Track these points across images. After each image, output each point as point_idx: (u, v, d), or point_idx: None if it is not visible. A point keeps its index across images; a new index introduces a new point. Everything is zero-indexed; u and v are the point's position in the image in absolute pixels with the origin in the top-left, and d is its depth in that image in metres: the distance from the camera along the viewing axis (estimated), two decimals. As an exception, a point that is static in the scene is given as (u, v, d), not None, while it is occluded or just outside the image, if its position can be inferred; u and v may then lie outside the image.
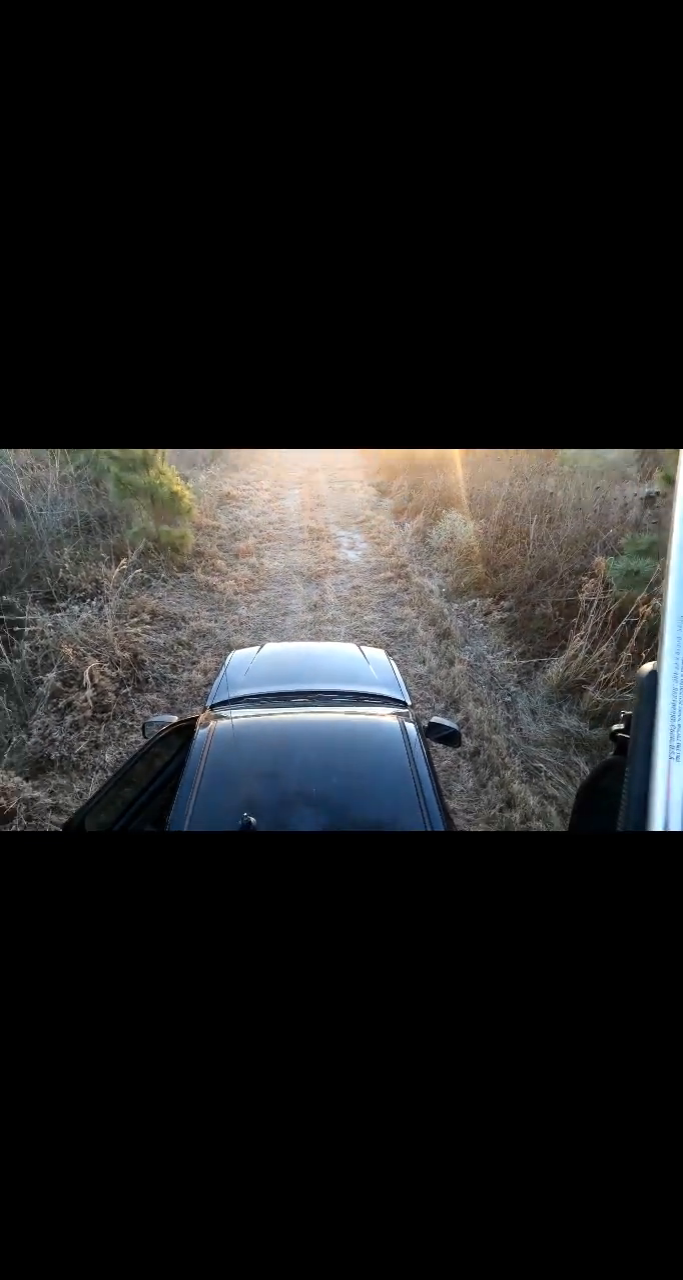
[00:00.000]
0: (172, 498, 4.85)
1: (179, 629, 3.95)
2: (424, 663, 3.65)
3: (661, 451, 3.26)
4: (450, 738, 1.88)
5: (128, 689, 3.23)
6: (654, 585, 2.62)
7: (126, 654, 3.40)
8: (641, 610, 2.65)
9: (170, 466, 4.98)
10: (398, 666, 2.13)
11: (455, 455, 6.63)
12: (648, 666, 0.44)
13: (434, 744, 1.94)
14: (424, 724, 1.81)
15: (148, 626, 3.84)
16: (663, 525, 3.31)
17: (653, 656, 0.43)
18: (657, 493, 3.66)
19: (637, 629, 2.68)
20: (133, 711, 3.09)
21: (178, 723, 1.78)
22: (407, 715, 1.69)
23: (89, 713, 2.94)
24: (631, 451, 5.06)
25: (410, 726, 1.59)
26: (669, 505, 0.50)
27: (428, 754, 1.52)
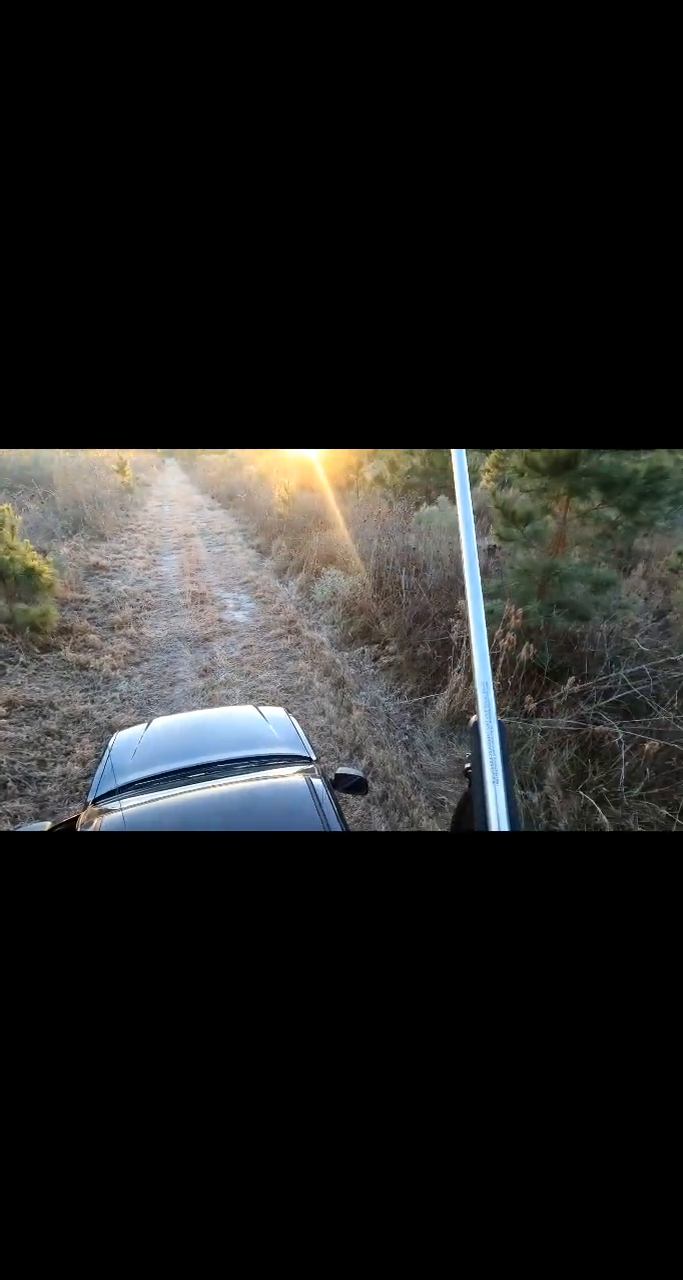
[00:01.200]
0: (27, 574, 4.36)
1: (46, 717, 3.46)
2: (324, 713, 3.69)
3: (492, 510, 3.91)
4: (358, 785, 1.91)
5: (-19, 800, 2.68)
6: (507, 622, 3.06)
7: (-23, 758, 2.85)
8: (500, 644, 3.06)
9: (23, 541, 4.52)
10: (299, 721, 2.13)
11: (331, 514, 7.13)
12: (474, 718, 0.57)
13: (343, 794, 1.95)
14: (331, 776, 1.82)
15: (3, 720, 3.30)
16: (503, 571, 3.93)
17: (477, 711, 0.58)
18: (494, 545, 4.34)
19: (501, 659, 3.08)
20: (-11, 827, 2.56)
21: (52, 828, 1.53)
22: (313, 770, 1.68)
23: None
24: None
25: (318, 782, 1.58)
26: (462, 581, 0.64)
27: (338, 807, 1.52)
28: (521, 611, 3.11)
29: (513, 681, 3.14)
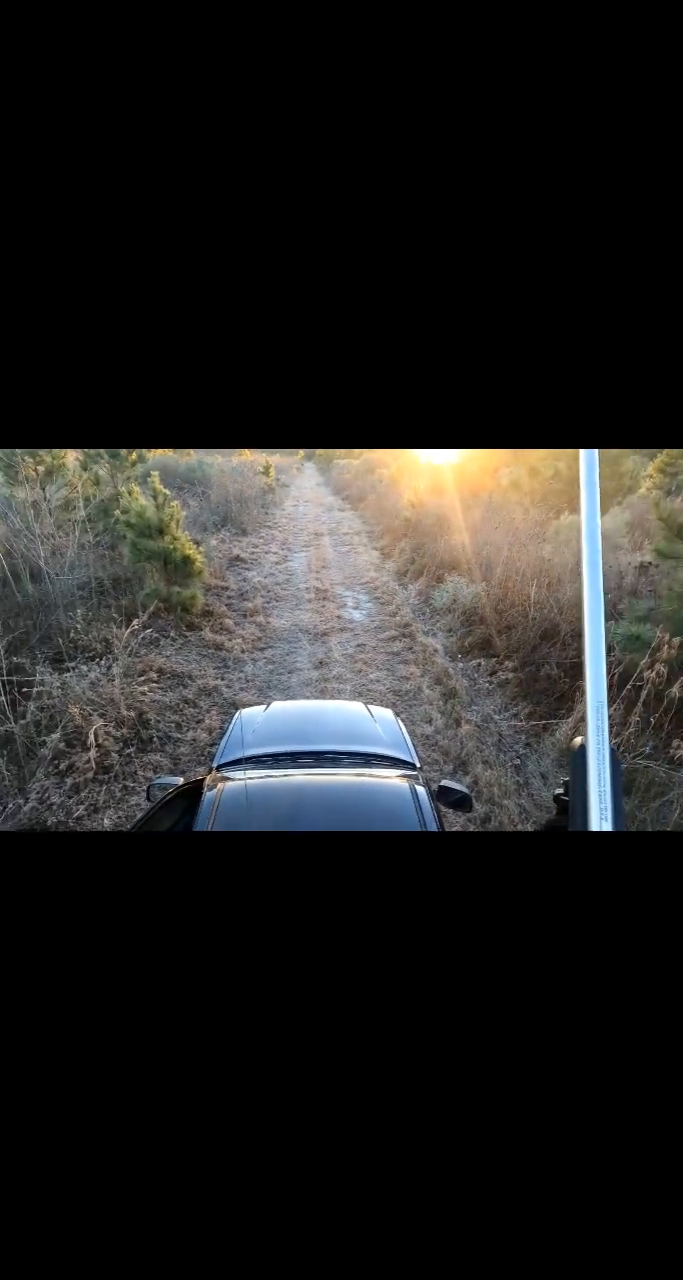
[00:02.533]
0: (184, 561, 5.05)
1: (185, 687, 3.97)
2: (431, 722, 3.62)
3: (651, 523, 3.41)
4: (462, 802, 1.84)
5: (132, 749, 3.19)
6: (656, 652, 2.65)
7: (132, 713, 3.40)
8: (645, 675, 2.66)
9: (183, 532, 5.23)
10: (405, 726, 2.12)
11: (458, 519, 6.94)
12: (578, 740, 0.52)
13: (445, 809, 1.89)
14: (434, 787, 1.78)
15: (155, 685, 3.87)
16: (657, 593, 3.40)
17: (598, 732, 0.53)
18: (649, 562, 3.79)
19: (644, 693, 2.68)
20: (135, 773, 3.04)
21: (184, 785, 1.75)
22: (416, 778, 1.66)
23: (91, 774, 2.89)
24: (621, 522, 5.30)
25: (421, 790, 1.56)
26: (579, 592, 0.57)
27: (440, 819, 1.49)
28: (676, 641, 2.66)
29: (658, 720, 2.71)
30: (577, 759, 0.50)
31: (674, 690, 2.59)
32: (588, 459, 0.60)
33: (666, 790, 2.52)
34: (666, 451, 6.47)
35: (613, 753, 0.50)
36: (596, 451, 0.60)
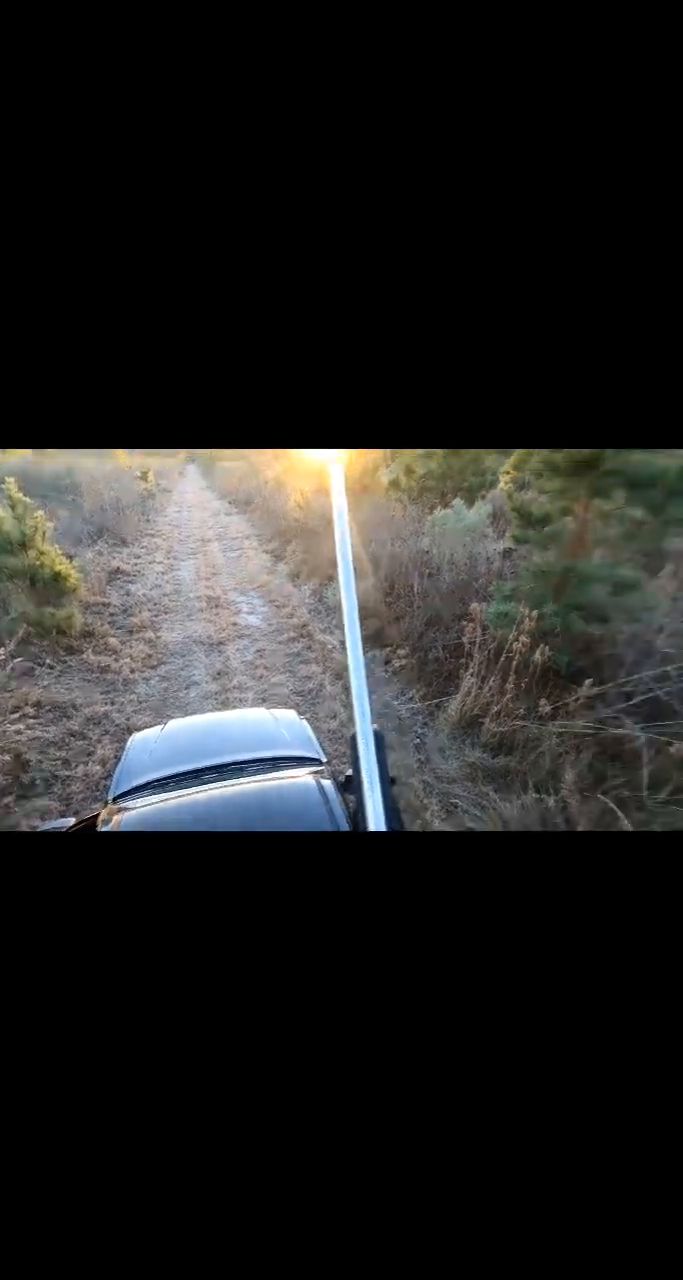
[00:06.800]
0: (55, 578, 4.52)
1: (70, 718, 3.57)
2: (335, 717, 3.71)
3: (508, 512, 3.88)
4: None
5: (9, 799, 2.79)
6: (520, 625, 3.04)
7: (6, 757, 2.97)
8: (514, 647, 3.03)
9: (52, 546, 4.68)
10: (311, 724, 2.15)
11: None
12: (352, 731, 0.63)
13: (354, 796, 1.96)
14: (341, 779, 1.84)
15: (32, 720, 3.42)
16: (518, 574, 3.88)
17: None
18: (510, 548, 4.30)
19: (515, 663, 3.05)
20: (17, 825, 2.67)
21: (75, 824, 1.59)
22: (323, 772, 1.71)
23: (-45, 835, 2.47)
24: (485, 514, 5.94)
25: (327, 784, 1.60)
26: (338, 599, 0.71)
27: (348, 809, 1.54)
28: (535, 614, 3.07)
29: (527, 685, 3.11)
30: (351, 742, 0.62)
31: (536, 656, 2.99)
32: (336, 469, 0.74)
33: (538, 743, 2.91)
34: (517, 451, 7.34)
35: (377, 733, 0.61)
36: (341, 464, 0.72)
